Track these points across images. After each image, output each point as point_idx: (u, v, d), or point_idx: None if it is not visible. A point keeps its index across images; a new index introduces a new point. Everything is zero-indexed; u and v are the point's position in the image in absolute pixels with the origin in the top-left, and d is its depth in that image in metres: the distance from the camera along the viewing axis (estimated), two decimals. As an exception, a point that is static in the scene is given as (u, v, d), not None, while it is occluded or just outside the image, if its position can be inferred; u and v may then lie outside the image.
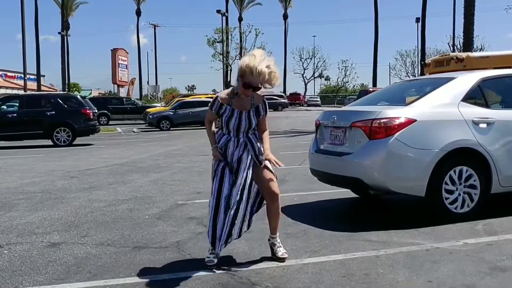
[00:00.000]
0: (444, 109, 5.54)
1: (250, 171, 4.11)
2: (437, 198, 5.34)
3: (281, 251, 4.26)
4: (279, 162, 4.16)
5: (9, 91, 48.90)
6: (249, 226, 4.22)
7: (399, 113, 5.42)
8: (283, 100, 51.13)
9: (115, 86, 64.66)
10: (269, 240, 4.38)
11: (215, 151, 4.22)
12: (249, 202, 4.14)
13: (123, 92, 62.18)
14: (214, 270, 4.04)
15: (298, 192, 7.37)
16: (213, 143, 4.25)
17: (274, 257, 4.27)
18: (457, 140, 5.39)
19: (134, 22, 74.84)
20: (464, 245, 4.60)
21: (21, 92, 35.92)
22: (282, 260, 4.20)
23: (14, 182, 9.19)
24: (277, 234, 4.33)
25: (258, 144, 4.22)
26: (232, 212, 4.02)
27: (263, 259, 4.29)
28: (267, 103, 4.27)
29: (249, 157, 4.15)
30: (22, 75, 35.23)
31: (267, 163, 4.19)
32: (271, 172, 4.19)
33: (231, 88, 4.27)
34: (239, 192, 4.04)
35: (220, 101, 4.17)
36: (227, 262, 4.23)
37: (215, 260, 4.13)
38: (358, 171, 5.49)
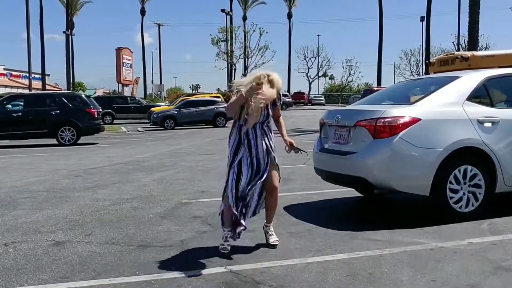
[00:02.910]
0: (449, 108, 5.52)
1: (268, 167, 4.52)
2: (442, 197, 5.33)
3: (272, 238, 4.63)
4: (301, 149, 4.70)
5: (14, 90, 49.12)
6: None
7: (403, 112, 5.41)
8: (287, 99, 51.03)
9: (120, 85, 64.62)
10: (263, 228, 4.73)
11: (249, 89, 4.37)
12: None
13: (127, 91, 62.13)
14: (224, 266, 4.06)
15: (302, 191, 7.37)
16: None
17: (267, 244, 4.61)
18: (461, 139, 5.38)
19: (139, 21, 75.30)
20: (469, 244, 4.59)
21: (26, 91, 36.09)
22: (273, 246, 4.55)
23: (19, 180, 9.22)
24: (272, 223, 4.71)
25: (271, 140, 4.63)
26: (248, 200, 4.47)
27: (267, 258, 4.30)
28: (281, 94, 4.66)
29: (267, 151, 4.51)
30: (27, 74, 35.35)
31: (272, 157, 4.54)
32: (276, 165, 4.57)
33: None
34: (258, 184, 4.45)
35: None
36: (231, 261, 4.24)
37: (229, 248, 4.39)
38: (363, 170, 5.48)
